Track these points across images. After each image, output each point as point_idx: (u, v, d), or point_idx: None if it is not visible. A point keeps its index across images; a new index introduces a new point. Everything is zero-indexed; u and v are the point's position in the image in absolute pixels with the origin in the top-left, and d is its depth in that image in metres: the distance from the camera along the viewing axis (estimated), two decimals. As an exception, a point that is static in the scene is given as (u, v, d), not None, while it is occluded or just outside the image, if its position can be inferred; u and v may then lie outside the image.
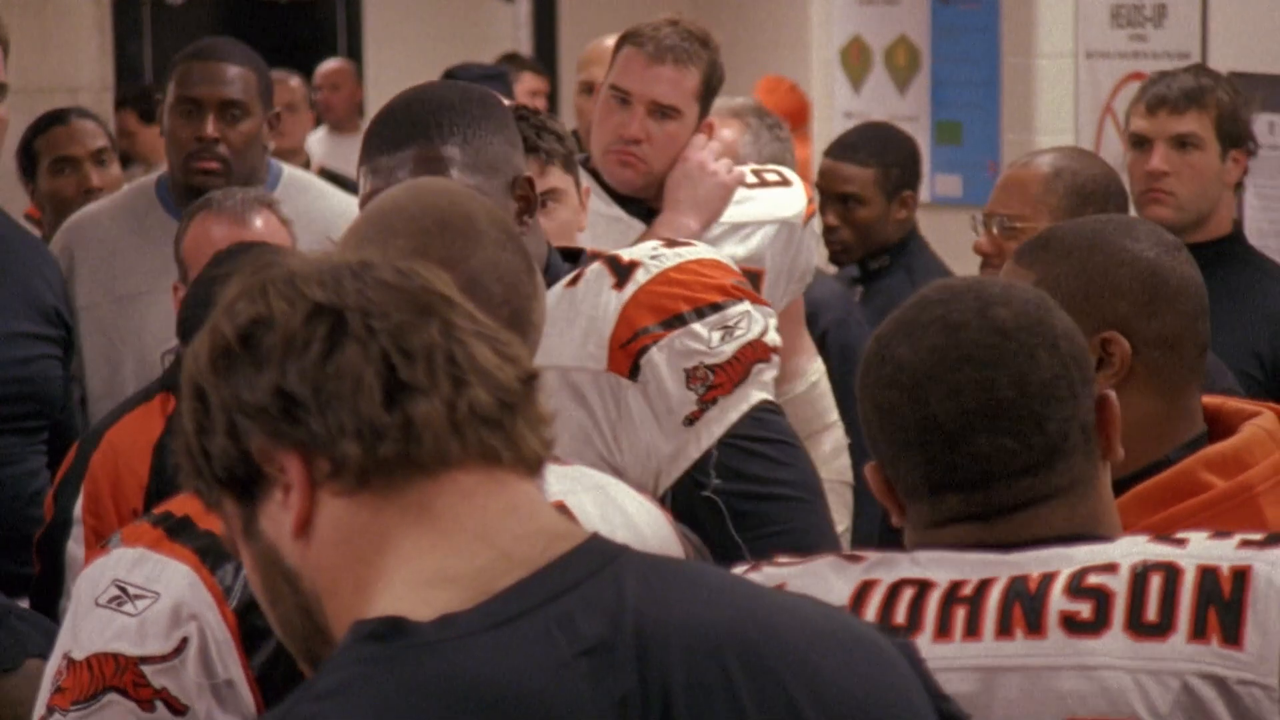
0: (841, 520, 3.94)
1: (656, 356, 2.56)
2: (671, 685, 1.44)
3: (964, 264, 4.97)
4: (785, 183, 3.80)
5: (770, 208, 3.76)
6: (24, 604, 3.51)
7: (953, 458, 1.93)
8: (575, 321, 2.60)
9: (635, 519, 2.03)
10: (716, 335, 2.64)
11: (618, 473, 2.51)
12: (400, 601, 1.46)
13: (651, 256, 2.65)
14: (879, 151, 4.81)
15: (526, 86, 7.81)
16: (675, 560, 1.64)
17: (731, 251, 3.75)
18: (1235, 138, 4.18)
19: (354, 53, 9.59)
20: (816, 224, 3.87)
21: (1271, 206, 5.32)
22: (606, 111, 3.73)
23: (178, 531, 1.92)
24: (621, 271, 2.62)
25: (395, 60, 9.02)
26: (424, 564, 1.48)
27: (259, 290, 1.51)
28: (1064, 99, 6.06)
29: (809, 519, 2.68)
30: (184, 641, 1.87)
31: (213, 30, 9.77)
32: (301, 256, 1.54)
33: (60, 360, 3.81)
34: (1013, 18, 6.24)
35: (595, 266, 2.63)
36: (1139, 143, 4.20)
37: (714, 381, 2.62)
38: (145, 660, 1.87)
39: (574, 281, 2.63)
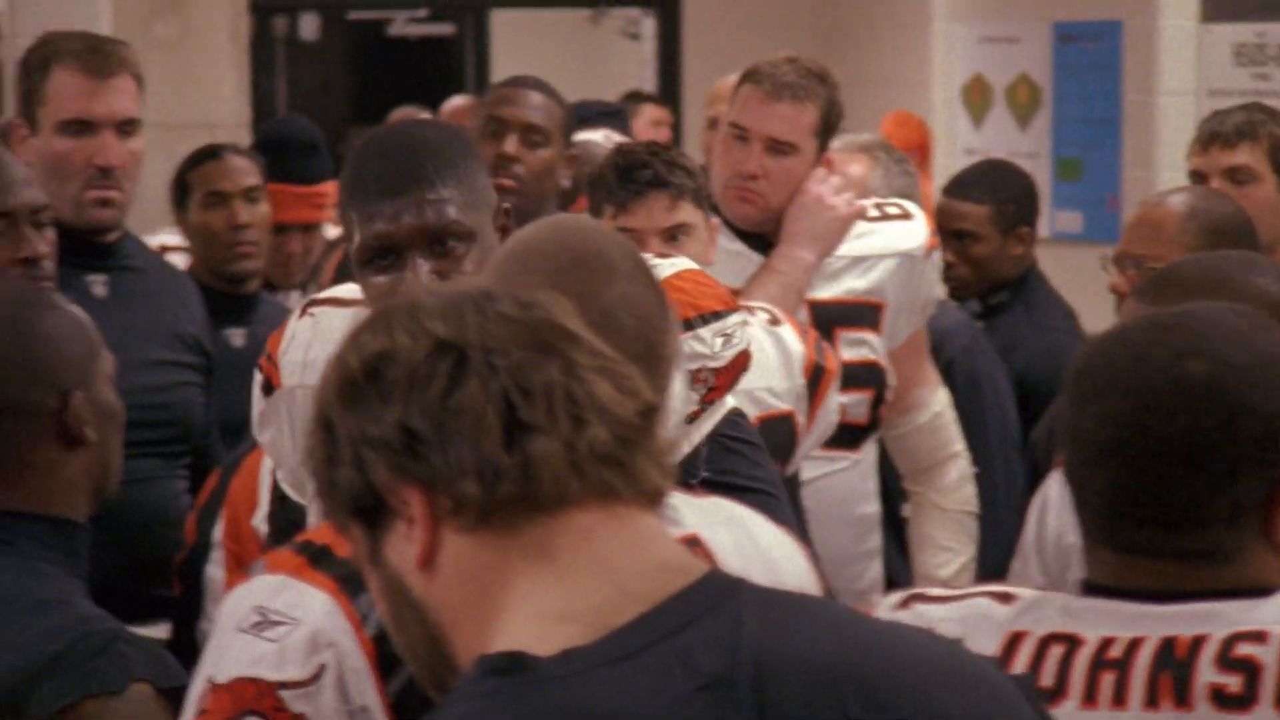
0: (965, 550, 3.97)
1: None
2: None
3: (1085, 299, 4.99)
4: (906, 216, 3.83)
5: (891, 241, 3.78)
6: (162, 628, 3.60)
7: (1137, 496, 1.91)
8: None
9: (770, 552, 2.03)
10: (719, 341, 2.73)
11: None
12: (522, 636, 1.47)
13: (652, 265, 2.72)
14: (993, 188, 4.81)
15: (649, 117, 7.85)
16: (794, 594, 1.62)
17: (851, 285, 3.79)
18: None
19: (481, 90, 9.66)
20: (938, 256, 3.90)
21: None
22: (726, 148, 3.77)
23: (318, 560, 1.94)
24: None
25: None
26: (544, 600, 1.48)
27: (383, 323, 1.53)
28: (1186, 136, 6.04)
29: (780, 515, 2.68)
30: (322, 668, 1.88)
31: (344, 68, 9.89)
32: (425, 288, 1.58)
33: (201, 387, 3.88)
34: (1134, 56, 6.23)
35: None
36: (1196, 179, 4.22)
37: (713, 384, 2.71)
38: (284, 685, 1.88)
39: None
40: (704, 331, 2.70)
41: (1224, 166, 4.16)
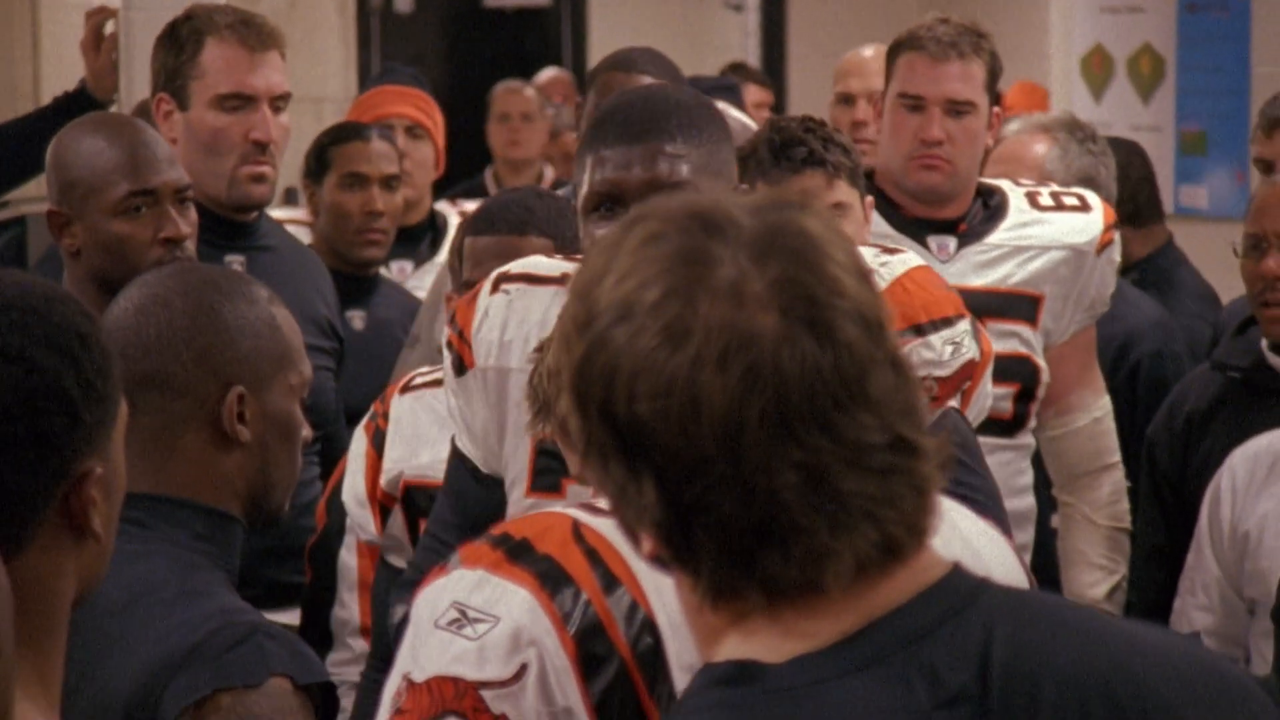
0: (1118, 569, 3.88)
1: None
2: None
3: (1212, 277, 4.91)
4: (1083, 208, 3.76)
5: (1060, 233, 3.72)
6: (293, 613, 3.58)
7: None
8: None
9: (977, 545, 1.98)
10: (948, 350, 2.69)
11: None
12: (751, 641, 1.45)
13: (881, 264, 2.66)
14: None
15: (751, 99, 7.80)
16: (1039, 597, 1.59)
17: (1007, 272, 3.73)
18: None
19: (578, 63, 9.64)
20: (1115, 252, 3.81)
21: None
22: (899, 120, 3.72)
23: (518, 554, 1.91)
24: None
25: (621, 74, 9.05)
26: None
27: None
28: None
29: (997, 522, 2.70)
30: (524, 667, 1.87)
31: (440, 40, 9.88)
32: None
33: (333, 372, 3.86)
34: (1265, 26, 6.15)
35: None
36: (1265, 169, 4.14)
37: (936, 393, 2.67)
38: (485, 685, 1.87)
39: None
40: (934, 338, 2.64)
41: None
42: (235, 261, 3.72)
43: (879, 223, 3.64)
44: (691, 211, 1.46)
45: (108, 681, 2.07)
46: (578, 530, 1.91)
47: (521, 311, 2.70)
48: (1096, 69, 6.92)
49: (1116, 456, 3.92)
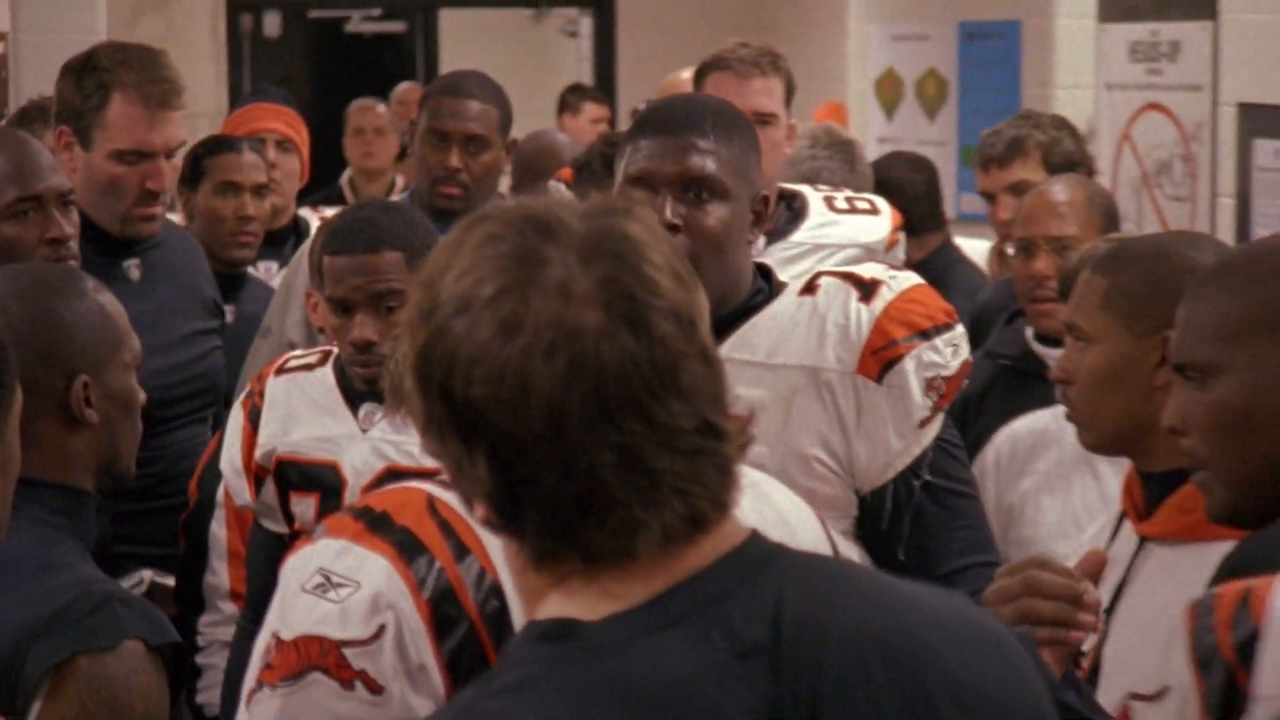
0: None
1: (908, 365, 2.60)
2: (821, 688, 1.41)
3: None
4: (874, 211, 3.79)
5: (853, 233, 3.74)
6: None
7: None
8: (818, 326, 2.62)
9: (787, 515, 1.98)
10: (949, 351, 2.68)
11: (851, 463, 2.56)
12: (570, 601, 1.44)
13: (890, 277, 2.68)
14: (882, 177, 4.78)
15: (590, 115, 7.83)
16: (829, 561, 1.59)
17: (808, 267, 3.74)
18: (1065, 168, 4.19)
19: (430, 82, 9.60)
20: (900, 251, 3.85)
21: (1275, 225, 5.31)
22: None
23: (378, 526, 1.89)
24: (865, 288, 2.64)
25: (468, 89, 9.03)
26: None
27: None
28: (1082, 126, 6.07)
29: (981, 514, 2.72)
30: (382, 628, 1.85)
31: (304, 61, 9.80)
32: None
33: (221, 349, 3.83)
34: (1032, 53, 6.24)
35: (833, 280, 2.66)
36: (989, 199, 4.26)
37: (943, 391, 2.65)
38: (347, 644, 1.85)
39: (809, 290, 2.65)
40: (939, 342, 2.65)
41: (1005, 185, 4.18)
42: (132, 265, 3.65)
43: None
44: (526, 215, 1.45)
45: None
46: (432, 504, 1.89)
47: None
48: (888, 90, 6.99)
49: None
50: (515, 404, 1.40)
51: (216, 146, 4.54)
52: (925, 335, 2.63)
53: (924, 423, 2.62)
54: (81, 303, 2.34)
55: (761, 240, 3.73)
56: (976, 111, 6.62)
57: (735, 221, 2.55)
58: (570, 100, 7.91)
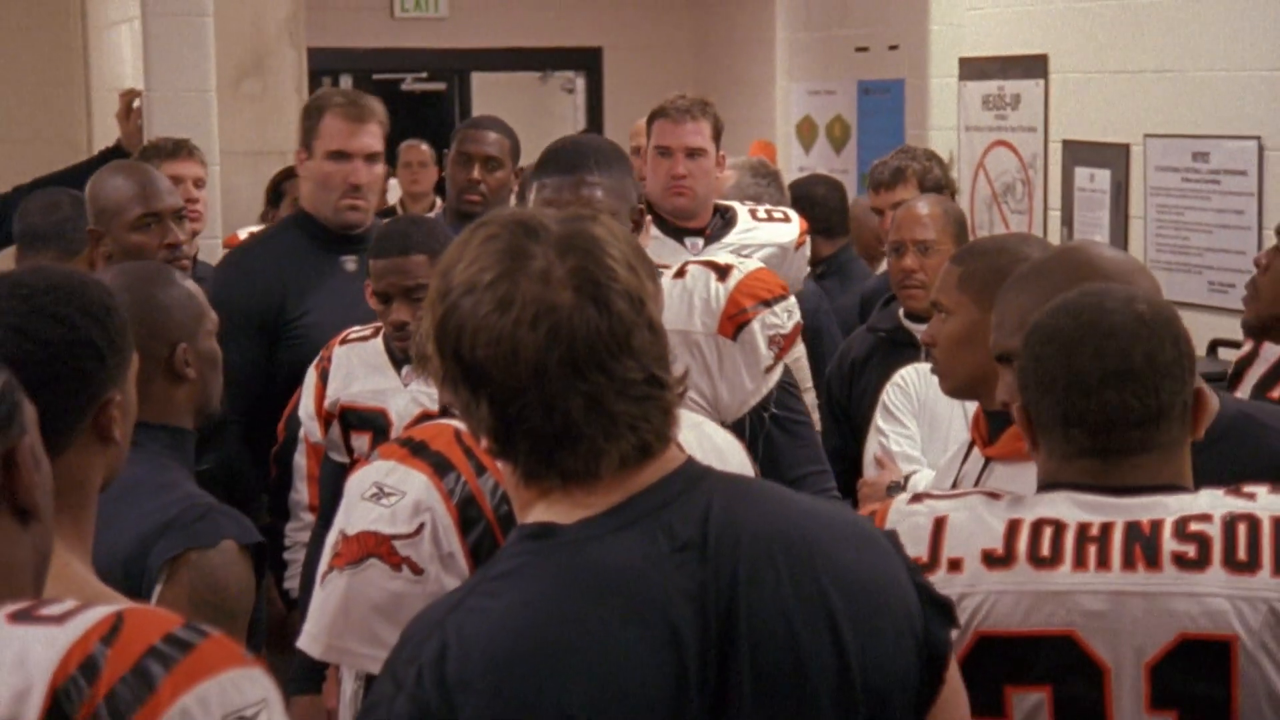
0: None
1: (755, 326, 2.64)
2: (738, 574, 1.40)
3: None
4: (786, 219, 3.80)
5: (770, 236, 3.75)
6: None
7: (1087, 404, 1.75)
8: (687, 300, 2.66)
9: (721, 447, 1.99)
10: (785, 315, 2.71)
11: (716, 401, 2.59)
12: (550, 510, 1.44)
13: (740, 263, 2.72)
14: (797, 201, 4.78)
15: (583, 151, 7.81)
16: (746, 479, 1.59)
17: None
18: (936, 189, 4.21)
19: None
20: (807, 249, 3.87)
21: (1086, 234, 5.33)
22: (656, 164, 3.72)
23: (417, 451, 1.90)
24: (722, 271, 2.69)
25: (493, 132, 9.01)
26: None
27: None
28: (947, 159, 6.07)
29: (814, 437, 2.77)
30: (421, 526, 1.85)
31: (369, 112, 9.76)
32: None
33: None
34: (913, 104, 6.25)
35: (698, 267, 2.69)
36: (879, 214, 4.26)
37: (782, 345, 2.69)
38: (395, 537, 1.85)
39: (680, 275, 2.68)
40: (777, 308, 2.69)
41: (890, 203, 4.18)
42: (349, 260, 3.64)
43: (658, 233, 3.68)
44: (518, 219, 1.46)
45: (112, 546, 2.02)
46: (458, 435, 1.90)
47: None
48: (805, 132, 6.98)
49: (809, 383, 3.97)
50: (508, 362, 1.41)
51: (290, 173, 4.54)
52: (767, 304, 2.67)
53: (769, 369, 2.66)
54: (173, 289, 2.33)
55: (700, 241, 3.76)
56: (871, 148, 6.61)
57: None
58: (568, 141, 7.89)
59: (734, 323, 2.66)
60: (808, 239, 3.84)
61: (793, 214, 3.85)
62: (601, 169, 2.52)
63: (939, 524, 1.76)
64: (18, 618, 1.10)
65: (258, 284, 3.59)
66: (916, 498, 1.81)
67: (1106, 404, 1.75)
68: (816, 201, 4.85)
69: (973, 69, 5.87)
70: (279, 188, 4.51)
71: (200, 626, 1.11)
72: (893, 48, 6.35)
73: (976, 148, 5.91)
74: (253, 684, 1.10)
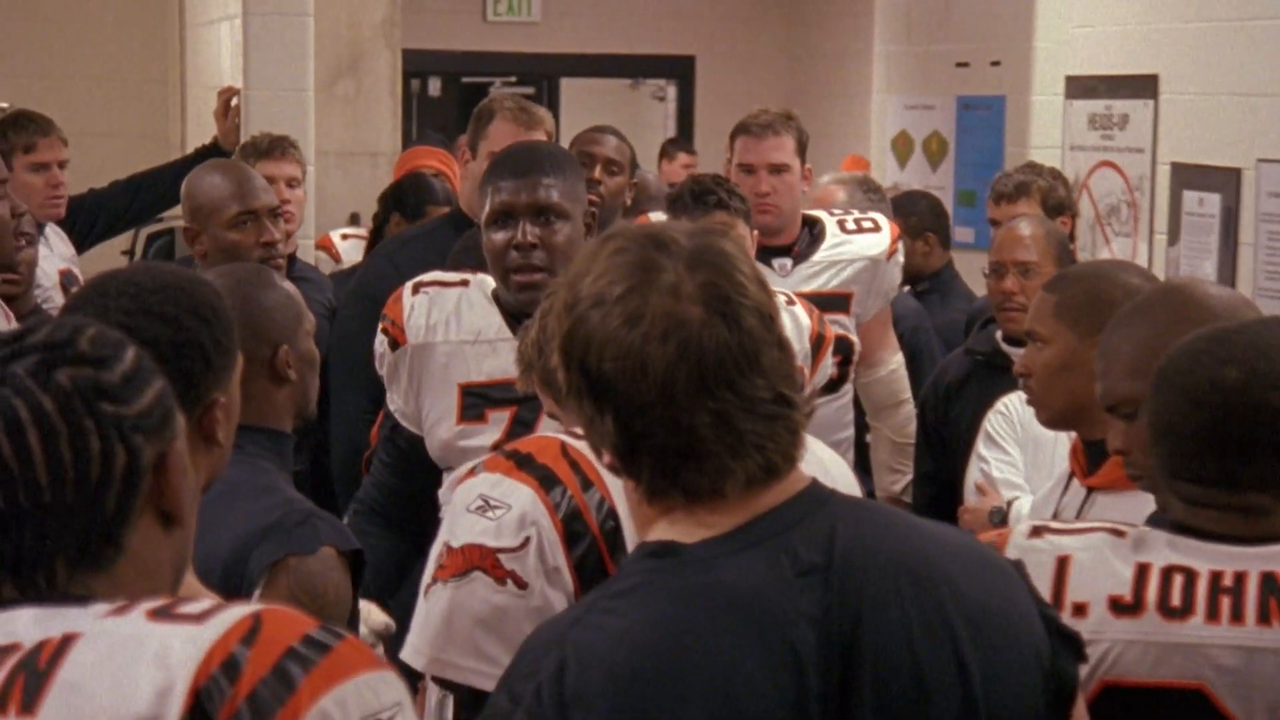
0: (910, 471, 3.88)
1: None
2: (862, 600, 1.40)
3: (977, 288, 4.95)
4: (877, 228, 3.78)
5: (861, 249, 3.73)
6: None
7: (1239, 463, 1.71)
8: None
9: (826, 464, 1.97)
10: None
11: None
12: (673, 528, 1.44)
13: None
14: (901, 208, 4.77)
15: (682, 161, 7.86)
16: (871, 504, 1.58)
17: (826, 280, 3.74)
18: (1057, 209, 4.15)
19: (554, 138, 9.59)
20: (900, 257, 3.84)
21: (1193, 260, 5.26)
22: (739, 182, 3.69)
23: (524, 464, 1.91)
24: None
25: (582, 139, 9.05)
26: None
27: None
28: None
29: None
30: (527, 540, 1.86)
31: (458, 114, 9.83)
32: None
33: None
34: (1013, 121, 6.19)
35: None
36: (996, 225, 4.20)
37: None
38: (501, 551, 1.86)
39: None
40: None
41: (1010, 217, 4.12)
42: None
43: None
44: (647, 234, 1.46)
45: (212, 548, 2.04)
46: (565, 449, 1.90)
47: (440, 304, 2.70)
48: (901, 147, 6.94)
49: (908, 394, 3.93)
50: (636, 377, 1.41)
51: (417, 182, 4.64)
52: None
53: None
54: (274, 291, 2.33)
55: (789, 261, 3.74)
56: (969, 165, 6.57)
57: (575, 235, 2.56)
58: (668, 150, 7.99)
59: None
60: (900, 246, 3.81)
61: (882, 220, 3.82)
62: (555, 172, 2.56)
63: (1062, 563, 1.72)
64: (157, 615, 1.11)
65: (407, 280, 3.64)
66: (1037, 531, 1.77)
67: (1261, 465, 1.72)
68: (918, 215, 4.82)
69: (1079, 87, 5.81)
70: (400, 196, 4.53)
71: (335, 629, 1.12)
72: (995, 64, 6.30)
73: (1081, 168, 5.84)
74: (388, 687, 1.12)
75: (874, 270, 3.73)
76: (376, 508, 2.87)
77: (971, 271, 5.18)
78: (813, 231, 3.78)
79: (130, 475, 1.23)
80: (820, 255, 3.75)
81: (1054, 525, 1.79)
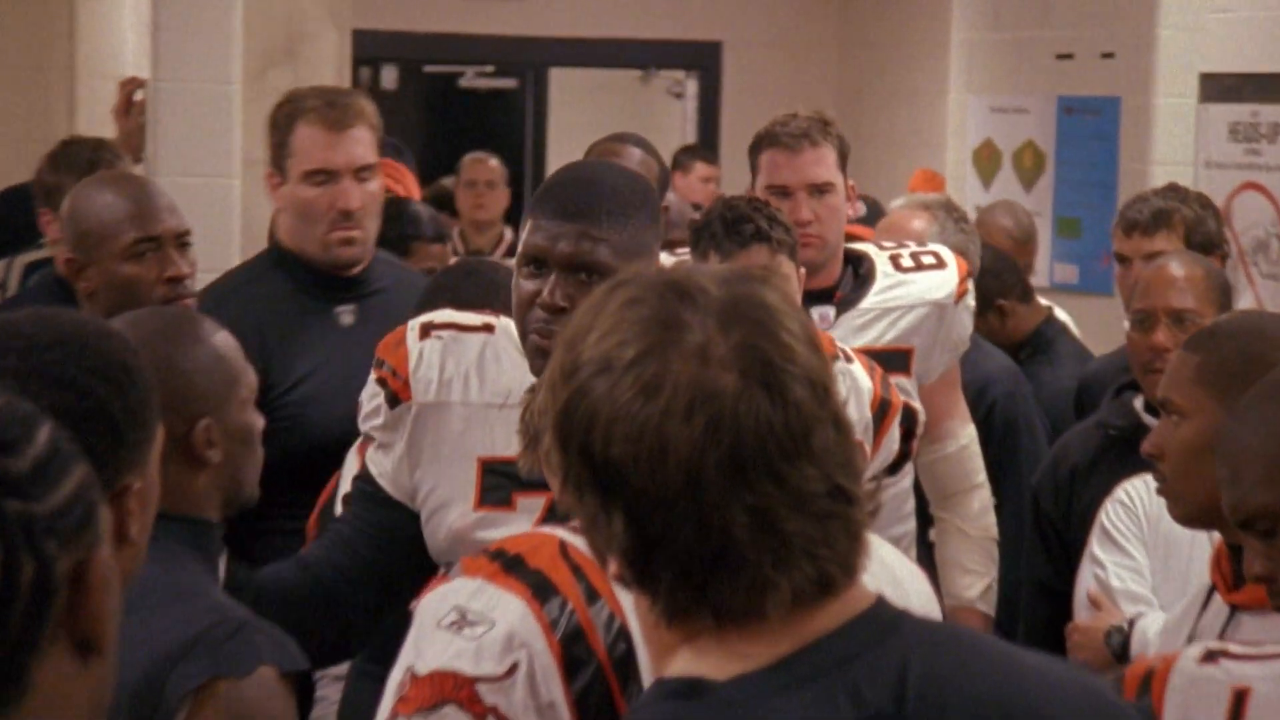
0: (988, 573, 3.84)
1: None
2: None
3: (1084, 341, 4.96)
4: (940, 265, 3.72)
5: (922, 291, 3.67)
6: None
7: None
8: None
9: (899, 576, 1.96)
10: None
11: None
12: (700, 660, 1.43)
13: None
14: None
15: (700, 174, 7.86)
16: (955, 628, 1.59)
17: (880, 332, 3.69)
18: (1205, 247, 4.14)
19: (539, 137, 9.64)
20: (970, 300, 3.80)
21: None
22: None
23: (513, 567, 1.89)
24: None
25: (576, 150, 9.08)
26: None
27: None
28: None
29: None
30: (515, 666, 1.84)
31: (419, 113, 9.88)
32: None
33: None
34: (1131, 128, 6.21)
35: None
36: (1123, 261, 4.21)
37: None
38: (480, 680, 1.84)
39: None
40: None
41: (1145, 253, 4.11)
42: (345, 311, 3.62)
43: None
44: (667, 280, 1.46)
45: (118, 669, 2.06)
46: (564, 549, 1.89)
47: (457, 354, 2.67)
48: (986, 160, 6.97)
49: (983, 476, 3.86)
50: (653, 463, 1.40)
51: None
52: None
53: None
54: (198, 348, 2.34)
55: (831, 310, 3.70)
56: (1073, 184, 6.59)
57: None
58: (682, 160, 7.96)
59: None
60: (970, 286, 3.77)
61: (946, 254, 3.75)
62: (614, 219, 2.49)
63: (1240, 696, 1.73)
64: None
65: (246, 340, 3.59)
66: (1211, 656, 1.77)
67: None
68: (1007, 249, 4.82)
69: (1217, 87, 5.82)
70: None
71: None
72: (1106, 56, 6.33)
73: (1220, 190, 5.85)
74: None
75: (939, 318, 3.67)
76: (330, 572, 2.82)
77: (1080, 322, 5.18)
78: (858, 270, 3.73)
79: (39, 592, 1.21)
80: (870, 301, 3.69)
81: (1233, 650, 1.78)
